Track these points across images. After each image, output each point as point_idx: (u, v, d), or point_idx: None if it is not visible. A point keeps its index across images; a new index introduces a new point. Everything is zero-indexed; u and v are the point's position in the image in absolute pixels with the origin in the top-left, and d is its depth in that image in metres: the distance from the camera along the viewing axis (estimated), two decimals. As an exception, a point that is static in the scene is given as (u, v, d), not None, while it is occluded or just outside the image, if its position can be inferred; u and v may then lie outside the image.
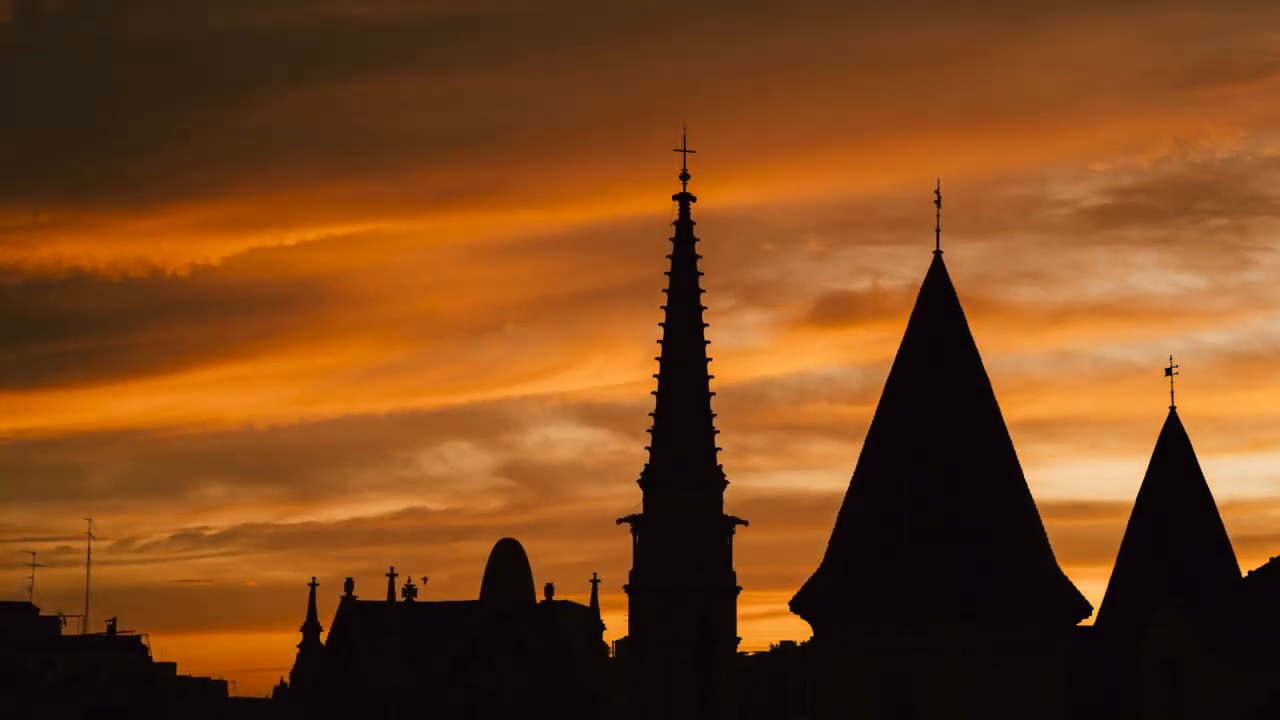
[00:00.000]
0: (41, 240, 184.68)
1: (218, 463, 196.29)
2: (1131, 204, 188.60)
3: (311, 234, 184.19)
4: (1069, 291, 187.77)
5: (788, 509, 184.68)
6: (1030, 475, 44.51)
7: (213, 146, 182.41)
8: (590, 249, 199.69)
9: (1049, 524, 44.90)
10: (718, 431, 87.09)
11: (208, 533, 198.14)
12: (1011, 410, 45.83)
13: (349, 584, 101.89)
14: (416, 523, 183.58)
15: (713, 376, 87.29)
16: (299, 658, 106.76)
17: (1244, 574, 45.45)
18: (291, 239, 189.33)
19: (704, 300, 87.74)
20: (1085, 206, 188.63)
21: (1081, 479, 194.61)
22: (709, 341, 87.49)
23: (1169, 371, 52.03)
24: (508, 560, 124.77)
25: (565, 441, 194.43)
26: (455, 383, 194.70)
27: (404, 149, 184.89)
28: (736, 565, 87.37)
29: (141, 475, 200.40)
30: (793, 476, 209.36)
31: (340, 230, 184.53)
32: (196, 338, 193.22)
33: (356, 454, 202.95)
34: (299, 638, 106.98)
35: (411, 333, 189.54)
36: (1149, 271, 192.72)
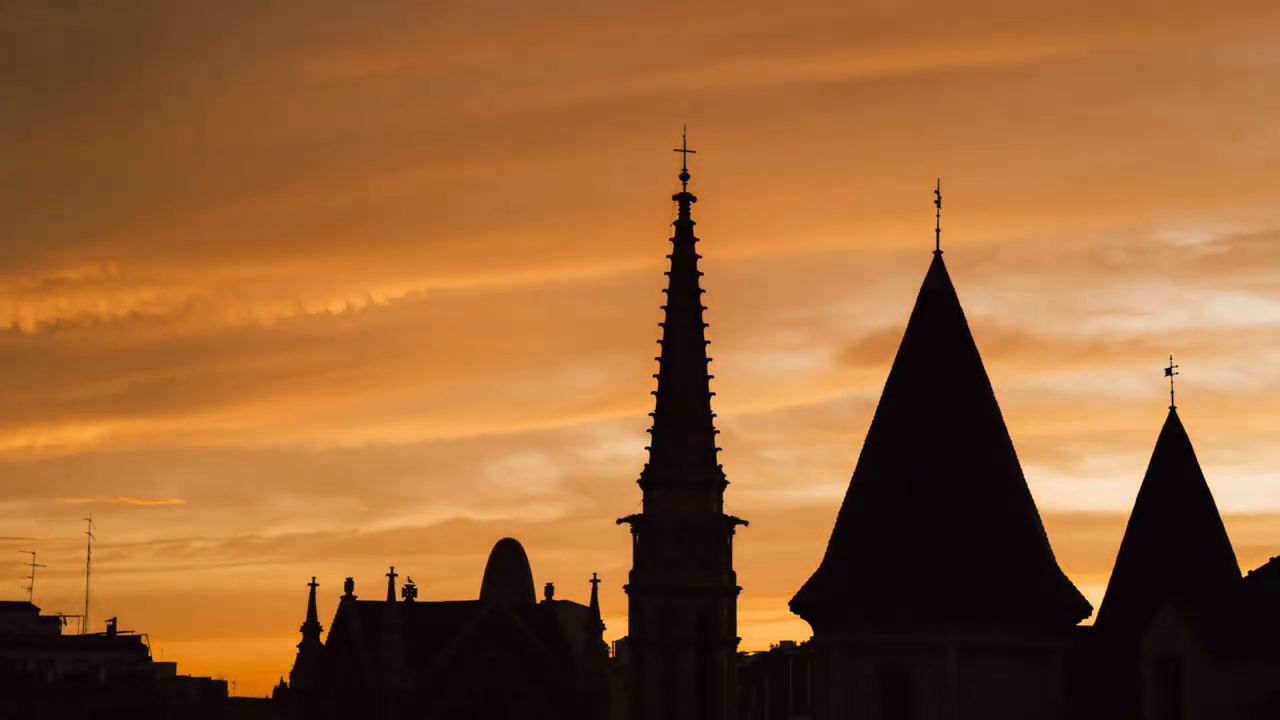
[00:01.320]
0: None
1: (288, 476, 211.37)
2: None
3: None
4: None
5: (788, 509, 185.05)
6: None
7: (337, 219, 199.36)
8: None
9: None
10: (718, 431, 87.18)
11: (257, 540, 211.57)
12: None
13: (349, 584, 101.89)
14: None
15: (713, 376, 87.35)
16: (299, 658, 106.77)
17: (1244, 574, 45.44)
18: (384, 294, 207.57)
19: (704, 300, 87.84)
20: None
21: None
22: (709, 341, 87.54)
23: (1169, 371, 52.03)
24: (508, 560, 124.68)
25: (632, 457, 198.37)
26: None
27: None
28: (736, 565, 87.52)
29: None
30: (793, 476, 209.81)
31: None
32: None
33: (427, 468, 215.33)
34: (299, 638, 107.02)
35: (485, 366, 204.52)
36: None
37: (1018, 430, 45.58)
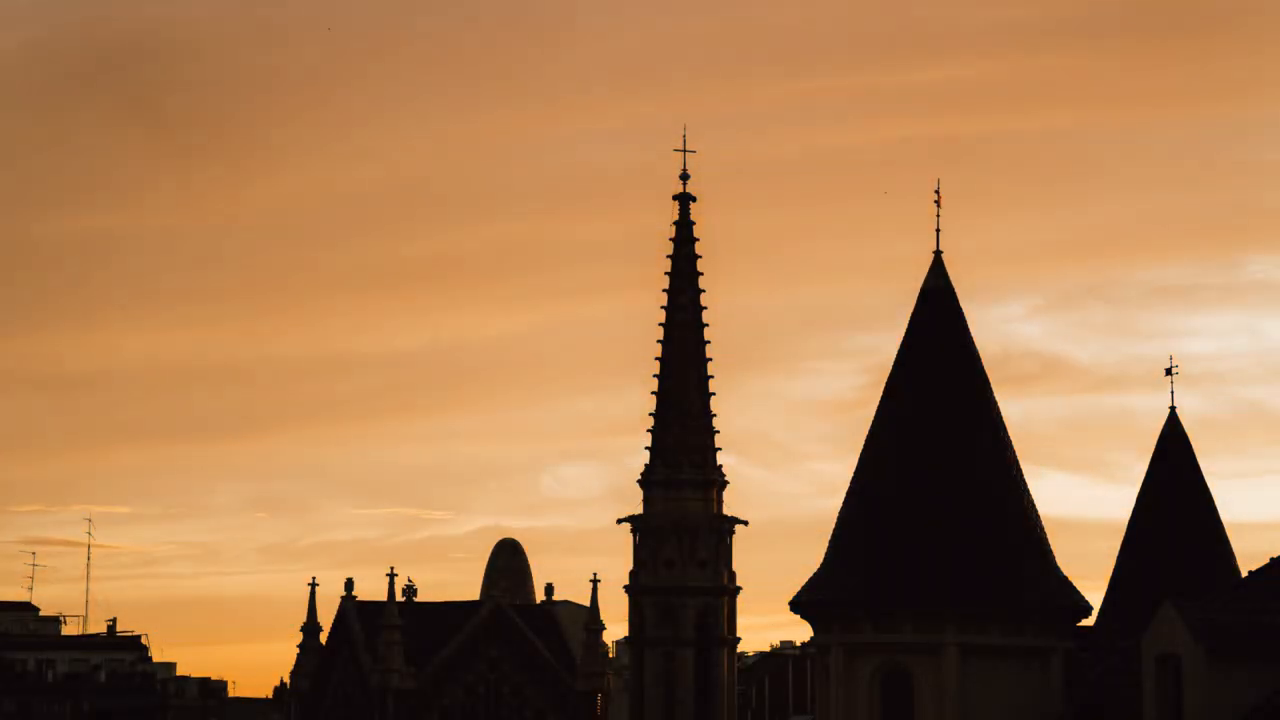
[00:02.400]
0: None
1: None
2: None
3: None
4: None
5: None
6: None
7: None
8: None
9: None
10: (718, 431, 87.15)
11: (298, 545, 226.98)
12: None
13: (349, 584, 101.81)
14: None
15: (712, 376, 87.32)
16: (299, 658, 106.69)
17: (1244, 574, 45.42)
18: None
19: (703, 300, 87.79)
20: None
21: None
22: (709, 341, 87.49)
23: (1169, 371, 52.01)
24: (507, 560, 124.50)
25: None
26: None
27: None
28: (736, 565, 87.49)
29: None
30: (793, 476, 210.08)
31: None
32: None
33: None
34: (299, 637, 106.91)
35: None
36: None
37: (1018, 430, 45.62)
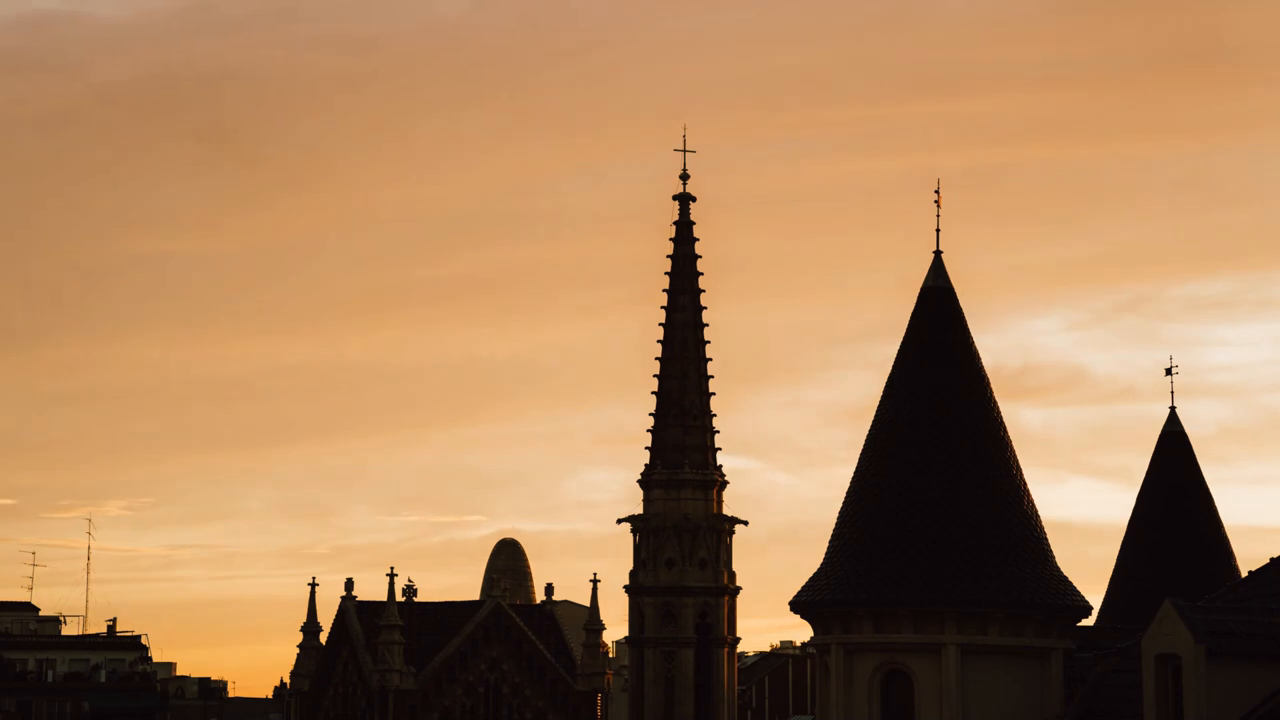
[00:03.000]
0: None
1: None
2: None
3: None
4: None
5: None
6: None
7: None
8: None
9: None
10: (718, 431, 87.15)
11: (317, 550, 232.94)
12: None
13: (349, 584, 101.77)
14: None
15: (712, 376, 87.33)
16: (299, 658, 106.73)
17: (1244, 574, 45.44)
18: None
19: (703, 300, 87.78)
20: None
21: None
22: (709, 341, 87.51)
23: (1169, 371, 52.02)
24: (507, 560, 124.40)
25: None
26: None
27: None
28: (736, 565, 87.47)
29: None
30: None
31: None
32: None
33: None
34: (299, 637, 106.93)
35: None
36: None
37: (1018, 430, 45.61)
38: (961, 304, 45.25)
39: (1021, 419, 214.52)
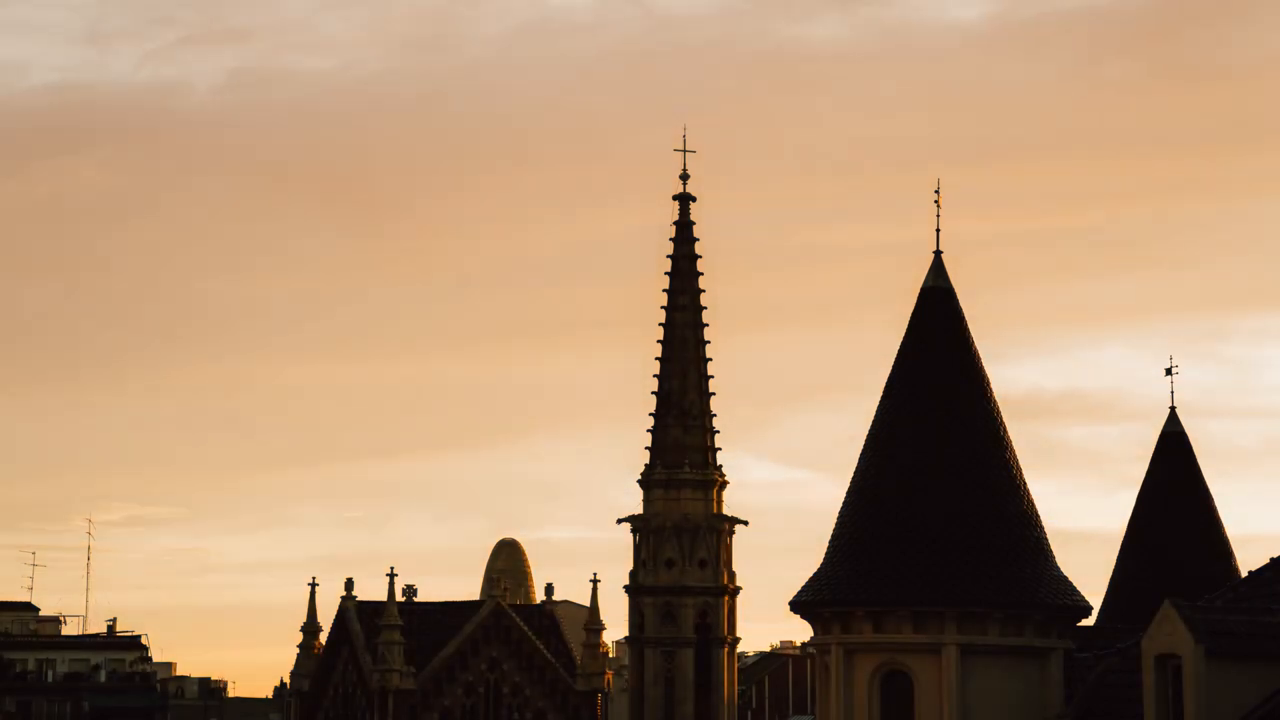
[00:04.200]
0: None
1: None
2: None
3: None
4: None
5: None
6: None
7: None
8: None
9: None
10: (717, 431, 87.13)
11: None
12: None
13: (349, 584, 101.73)
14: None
15: (712, 376, 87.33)
16: (299, 658, 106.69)
17: (1244, 574, 45.42)
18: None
19: (703, 300, 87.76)
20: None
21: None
22: (709, 341, 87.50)
23: (1169, 371, 51.99)
24: (507, 560, 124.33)
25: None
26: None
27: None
28: (736, 565, 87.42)
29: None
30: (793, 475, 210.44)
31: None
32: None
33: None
34: (299, 638, 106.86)
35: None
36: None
37: (1018, 430, 45.60)
38: (961, 304, 45.29)
39: (1022, 419, 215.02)
